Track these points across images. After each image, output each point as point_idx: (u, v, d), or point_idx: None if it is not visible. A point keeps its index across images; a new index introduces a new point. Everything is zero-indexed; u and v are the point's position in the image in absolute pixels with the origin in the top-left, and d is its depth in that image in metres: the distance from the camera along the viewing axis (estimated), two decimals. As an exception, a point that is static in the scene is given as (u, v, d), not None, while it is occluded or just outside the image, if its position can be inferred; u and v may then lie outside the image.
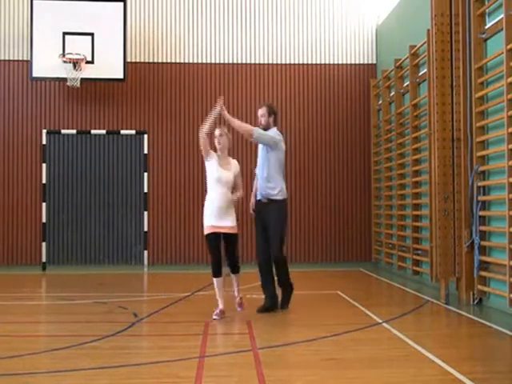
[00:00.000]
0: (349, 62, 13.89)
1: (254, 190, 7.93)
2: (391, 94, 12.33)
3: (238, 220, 7.46)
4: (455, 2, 8.44)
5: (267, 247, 7.63)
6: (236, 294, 7.56)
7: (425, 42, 9.74)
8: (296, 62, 13.81)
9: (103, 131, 13.30)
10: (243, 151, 13.07)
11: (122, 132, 13.33)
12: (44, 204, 12.95)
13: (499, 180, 7.62)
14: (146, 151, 13.33)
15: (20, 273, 12.18)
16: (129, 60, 13.22)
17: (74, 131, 13.20)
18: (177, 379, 4.78)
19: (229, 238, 7.34)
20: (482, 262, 7.98)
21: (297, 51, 13.83)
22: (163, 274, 12.17)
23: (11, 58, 13.36)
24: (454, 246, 8.42)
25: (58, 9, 12.61)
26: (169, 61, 13.67)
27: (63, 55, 12.48)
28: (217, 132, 7.56)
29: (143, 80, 13.56)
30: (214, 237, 7.25)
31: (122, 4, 12.76)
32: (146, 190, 13.28)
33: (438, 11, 8.56)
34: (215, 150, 7.54)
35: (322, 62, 13.86)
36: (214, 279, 7.35)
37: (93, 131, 13.27)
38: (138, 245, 13.35)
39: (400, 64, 11.58)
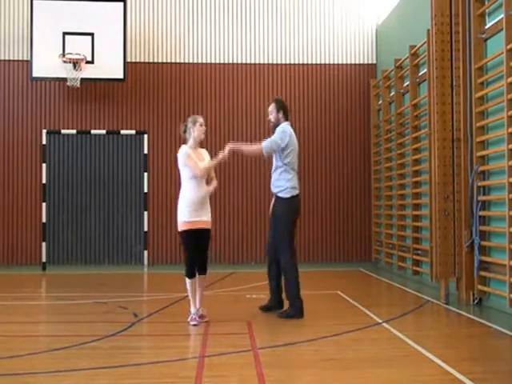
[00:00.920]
0: (349, 62, 13.89)
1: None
2: (391, 94, 12.33)
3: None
4: (455, 2, 8.44)
5: (273, 245, 7.53)
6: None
7: (425, 42, 9.74)
8: (296, 62, 13.81)
9: (103, 131, 13.30)
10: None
11: (122, 132, 13.33)
12: (44, 204, 12.95)
13: (499, 180, 7.62)
14: (146, 151, 13.33)
15: (20, 273, 12.18)
16: (129, 60, 13.22)
17: (74, 131, 13.20)
18: (177, 379, 4.79)
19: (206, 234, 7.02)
20: (482, 262, 7.98)
21: (297, 51, 13.82)
22: (163, 273, 12.16)
23: (11, 58, 13.36)
24: (454, 245, 8.42)
25: (58, 9, 12.61)
26: (169, 61, 13.67)
27: (63, 55, 12.48)
28: (202, 120, 7.06)
29: (143, 80, 13.56)
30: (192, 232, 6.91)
31: (121, 4, 12.76)
32: (146, 190, 13.28)
33: (437, 11, 8.56)
34: (198, 140, 7.05)
35: (322, 62, 13.85)
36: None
37: (93, 131, 13.27)
38: (138, 245, 13.35)
39: (400, 64, 11.58)
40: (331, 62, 13.87)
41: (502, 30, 7.44)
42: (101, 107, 13.43)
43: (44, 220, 12.92)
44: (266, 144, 7.43)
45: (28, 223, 13.21)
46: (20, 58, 13.33)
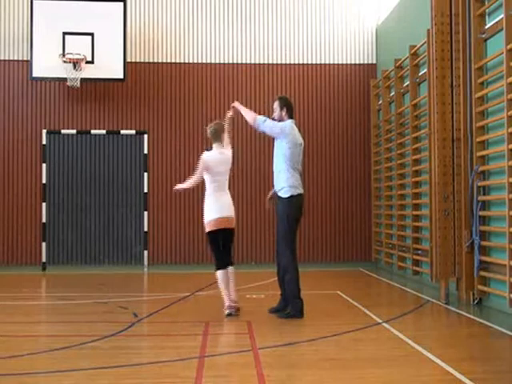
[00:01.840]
0: (349, 62, 13.89)
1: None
2: (391, 94, 12.33)
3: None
4: (455, 1, 8.44)
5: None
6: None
7: (425, 42, 9.74)
8: (296, 62, 13.81)
9: (103, 131, 13.30)
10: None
11: (122, 132, 13.34)
12: (44, 204, 12.95)
13: (499, 180, 7.62)
14: (146, 151, 13.33)
15: (20, 273, 12.18)
16: (129, 60, 13.22)
17: (74, 131, 13.20)
18: (177, 379, 4.79)
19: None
20: (482, 262, 7.98)
21: (297, 51, 13.82)
22: (163, 273, 12.17)
23: (11, 58, 13.36)
24: (454, 245, 8.42)
25: (58, 9, 12.60)
26: (169, 61, 13.67)
27: (63, 55, 12.48)
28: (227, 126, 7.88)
29: (143, 80, 13.56)
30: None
31: (121, 4, 12.75)
32: (146, 190, 13.28)
33: (437, 11, 8.57)
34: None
35: (322, 62, 13.85)
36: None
37: (93, 131, 13.27)
38: (138, 245, 13.35)
39: (400, 64, 11.57)
40: (331, 62, 13.87)
41: (501, 29, 7.44)
42: (101, 107, 13.43)
43: (44, 220, 12.92)
44: (261, 119, 7.50)
45: (28, 223, 13.21)
46: (20, 58, 13.33)
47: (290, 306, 7.29)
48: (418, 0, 10.72)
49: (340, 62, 13.87)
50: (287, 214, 7.35)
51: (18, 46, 13.35)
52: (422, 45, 10.06)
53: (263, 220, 13.42)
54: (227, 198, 7.54)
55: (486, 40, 8.13)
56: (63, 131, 13.17)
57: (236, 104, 7.89)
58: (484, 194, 8.11)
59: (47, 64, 12.56)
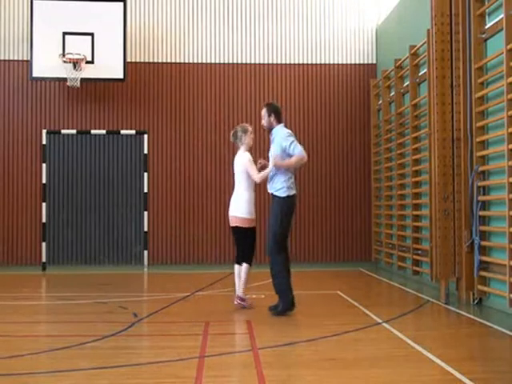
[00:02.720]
0: (349, 62, 13.89)
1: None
2: (391, 94, 12.33)
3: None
4: (455, 1, 8.44)
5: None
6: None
7: (425, 42, 9.74)
8: (296, 62, 13.81)
9: (103, 131, 13.30)
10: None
11: (122, 132, 13.33)
12: (44, 204, 12.94)
13: (499, 180, 7.62)
14: (146, 151, 13.32)
15: (20, 273, 12.18)
16: (129, 60, 13.22)
17: (74, 131, 13.20)
18: (177, 379, 4.78)
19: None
20: (482, 262, 7.98)
21: (297, 51, 13.82)
22: (163, 273, 12.17)
23: (11, 58, 13.36)
24: (454, 245, 8.42)
25: (58, 9, 12.60)
26: (169, 61, 13.67)
27: (63, 55, 12.48)
28: (251, 129, 8.00)
29: (143, 80, 13.56)
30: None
31: (121, 4, 12.75)
32: (146, 190, 13.28)
33: (437, 11, 8.56)
34: (249, 147, 7.93)
35: (322, 62, 13.86)
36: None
37: (93, 131, 13.27)
38: (138, 245, 13.35)
39: (400, 64, 11.58)
40: (331, 62, 13.87)
41: (501, 29, 7.44)
42: (101, 107, 13.43)
43: (44, 220, 12.92)
44: (300, 153, 7.45)
45: (28, 223, 13.21)
46: (20, 58, 13.33)
47: (280, 301, 7.38)
48: (417, 0, 10.72)
49: (340, 62, 13.87)
50: (282, 212, 7.48)
51: (18, 46, 13.36)
52: (422, 45, 10.06)
53: (263, 220, 13.40)
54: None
55: (486, 40, 8.12)
56: (63, 131, 13.17)
57: (275, 163, 7.51)
58: (484, 194, 8.11)
59: (47, 64, 12.56)
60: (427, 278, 9.82)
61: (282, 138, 7.52)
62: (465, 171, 8.31)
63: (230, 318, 7.26)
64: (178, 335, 6.42)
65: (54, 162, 13.27)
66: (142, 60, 13.60)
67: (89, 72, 12.55)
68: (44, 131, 13.06)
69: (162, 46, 13.68)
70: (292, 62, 13.81)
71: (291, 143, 7.45)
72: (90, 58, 12.56)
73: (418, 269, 10.44)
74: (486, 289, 7.92)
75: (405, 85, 11.38)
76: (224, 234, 13.27)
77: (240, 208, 7.71)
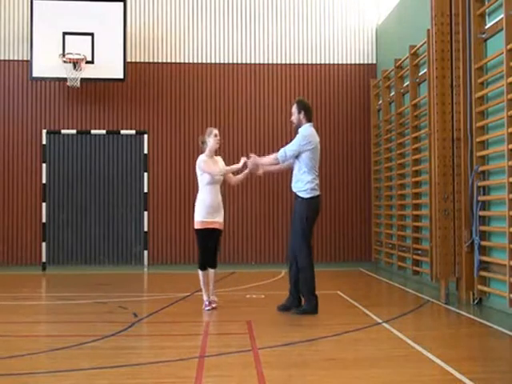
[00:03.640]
0: (349, 62, 13.89)
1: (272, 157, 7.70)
2: (391, 94, 12.33)
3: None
4: (455, 1, 8.44)
5: (291, 244, 7.67)
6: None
7: (425, 42, 9.74)
8: (296, 62, 13.81)
9: (103, 131, 13.30)
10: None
11: (122, 132, 13.33)
12: (44, 204, 12.94)
13: (499, 180, 7.62)
14: (146, 151, 13.32)
15: (20, 273, 12.18)
16: (129, 60, 13.22)
17: (74, 131, 13.20)
18: (177, 379, 4.79)
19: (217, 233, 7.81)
20: (482, 262, 7.98)
21: (297, 51, 13.82)
22: (163, 273, 12.17)
23: (11, 58, 13.36)
24: (454, 245, 8.42)
25: (58, 9, 12.61)
26: (169, 61, 13.67)
27: (63, 55, 12.48)
28: (216, 131, 7.82)
29: (143, 80, 13.56)
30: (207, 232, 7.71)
31: (121, 4, 12.75)
32: (146, 190, 13.28)
33: (437, 11, 8.57)
34: (213, 149, 7.82)
35: (322, 62, 13.85)
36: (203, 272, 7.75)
37: (93, 131, 13.27)
38: (138, 245, 13.35)
39: (400, 64, 11.57)
40: (331, 62, 13.87)
41: (501, 29, 7.44)
42: (101, 107, 13.43)
43: (44, 220, 12.92)
44: (280, 154, 7.52)
45: (28, 223, 13.21)
46: (20, 58, 13.33)
47: (306, 303, 7.45)
48: (418, 0, 10.72)
49: (340, 62, 13.87)
50: (306, 214, 7.50)
51: (18, 46, 13.35)
52: (422, 45, 10.06)
53: (263, 221, 13.41)
54: None
55: (486, 40, 8.12)
56: (63, 131, 13.16)
57: (252, 159, 7.66)
58: (484, 194, 8.11)
59: (47, 64, 12.56)
60: (427, 278, 9.82)
61: (297, 137, 7.50)
62: (465, 171, 8.31)
63: (230, 318, 7.25)
64: (178, 335, 6.42)
65: (54, 162, 13.27)
66: (142, 60, 13.60)
67: (89, 72, 12.55)
68: (44, 131, 13.06)
69: (161, 46, 13.68)
70: (292, 62, 13.81)
71: (295, 143, 7.45)
72: (90, 58, 12.56)
73: (417, 269, 10.44)
74: (486, 289, 7.92)
75: (405, 85, 11.38)
76: (224, 234, 13.25)
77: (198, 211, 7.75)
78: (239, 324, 6.93)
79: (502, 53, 7.36)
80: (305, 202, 7.47)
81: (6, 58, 13.36)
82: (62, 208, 13.34)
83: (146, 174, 13.29)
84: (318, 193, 7.55)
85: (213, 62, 13.71)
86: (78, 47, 12.50)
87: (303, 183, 7.46)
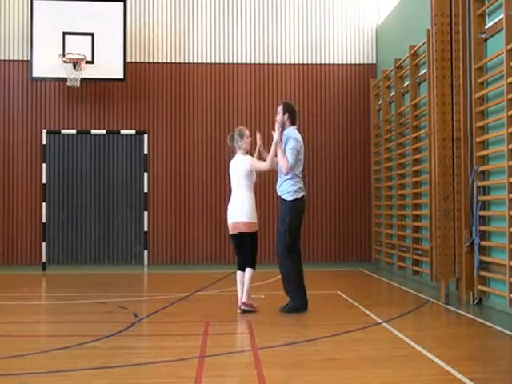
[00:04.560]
0: (349, 62, 13.89)
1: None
2: (391, 94, 12.33)
3: None
4: (455, 1, 8.44)
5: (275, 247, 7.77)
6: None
7: (425, 42, 9.74)
8: (296, 62, 13.81)
9: (103, 131, 13.30)
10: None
11: (122, 132, 13.33)
12: (44, 204, 12.94)
13: (499, 180, 7.62)
14: (146, 151, 13.32)
15: (20, 273, 12.18)
16: (129, 60, 13.22)
17: (74, 131, 13.20)
18: (177, 379, 4.78)
19: None
20: (482, 262, 7.98)
21: (297, 51, 13.82)
22: (163, 274, 12.17)
23: (11, 58, 13.36)
24: (454, 245, 8.42)
25: (58, 9, 12.60)
26: (169, 61, 13.67)
27: (63, 55, 12.48)
28: (248, 133, 7.73)
29: (143, 80, 13.56)
30: None
31: (121, 4, 12.75)
32: (146, 190, 13.28)
33: (438, 11, 8.57)
34: (246, 151, 7.72)
35: (322, 62, 13.85)
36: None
37: (93, 131, 13.27)
38: (138, 245, 13.35)
39: (400, 64, 11.57)
40: (331, 62, 13.87)
41: (501, 29, 7.44)
42: (101, 107, 13.43)
43: (44, 220, 12.91)
44: (285, 166, 7.50)
45: (28, 223, 13.21)
46: (20, 58, 13.33)
47: (290, 300, 7.49)
48: (418, 0, 10.72)
49: (340, 62, 13.87)
50: (289, 216, 7.54)
51: (18, 46, 13.35)
52: (422, 45, 10.06)
53: (263, 220, 13.40)
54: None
55: (486, 40, 8.12)
56: (63, 131, 13.16)
57: (276, 136, 7.58)
58: (484, 194, 8.11)
59: (47, 64, 12.56)
60: (427, 278, 9.82)
61: (290, 142, 7.58)
62: (465, 171, 8.31)
63: (230, 318, 7.25)
64: (178, 335, 6.42)
65: (54, 162, 13.27)
66: (142, 60, 13.60)
67: (89, 72, 12.55)
68: (44, 131, 13.05)
69: (161, 46, 13.68)
70: (292, 62, 13.80)
71: (296, 150, 7.56)
72: (90, 58, 12.56)
73: (417, 269, 10.44)
74: (486, 289, 7.92)
75: (405, 85, 11.38)
76: (224, 233, 13.27)
77: (246, 213, 7.44)
78: (239, 324, 6.93)
79: (502, 53, 7.36)
80: (288, 204, 7.55)
81: (6, 58, 13.36)
82: (62, 208, 13.34)
83: (146, 174, 13.29)
84: (301, 194, 7.60)
85: (213, 62, 13.71)
86: (78, 47, 12.49)
87: (287, 186, 7.55)
